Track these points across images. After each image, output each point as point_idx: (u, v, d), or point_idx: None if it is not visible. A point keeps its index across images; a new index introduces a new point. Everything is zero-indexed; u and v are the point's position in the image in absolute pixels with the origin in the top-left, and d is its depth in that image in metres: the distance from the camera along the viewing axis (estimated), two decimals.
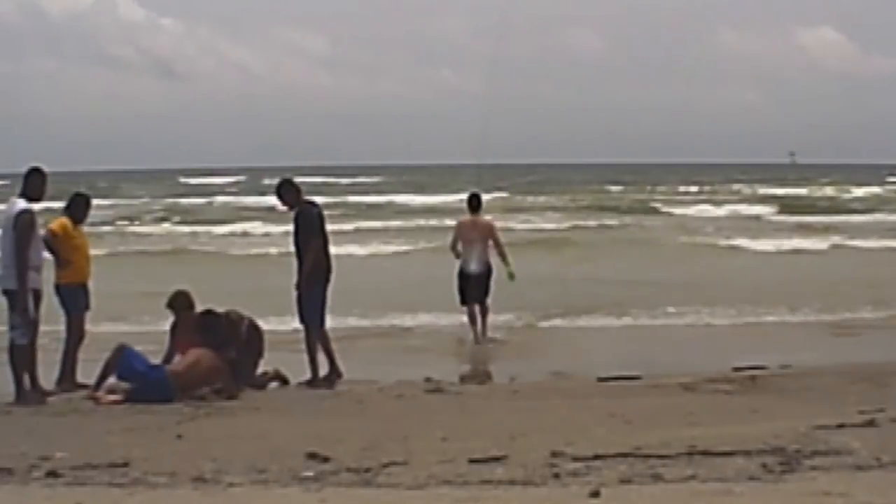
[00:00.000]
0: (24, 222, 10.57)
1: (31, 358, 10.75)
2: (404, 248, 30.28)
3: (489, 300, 14.63)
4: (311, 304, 11.71)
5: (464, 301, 14.67)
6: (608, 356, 13.44)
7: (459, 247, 14.73)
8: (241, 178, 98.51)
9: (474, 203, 14.92)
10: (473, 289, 14.52)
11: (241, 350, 11.23)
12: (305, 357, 11.74)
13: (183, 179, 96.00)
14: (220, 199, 61.49)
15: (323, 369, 11.74)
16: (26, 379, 10.68)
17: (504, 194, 55.97)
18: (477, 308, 14.55)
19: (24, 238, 10.53)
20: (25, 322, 10.53)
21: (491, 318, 14.84)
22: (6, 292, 10.62)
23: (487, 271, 14.60)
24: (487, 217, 15.22)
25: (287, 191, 11.97)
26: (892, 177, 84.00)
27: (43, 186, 10.93)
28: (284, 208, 12.14)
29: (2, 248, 10.67)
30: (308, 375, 11.69)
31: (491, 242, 14.73)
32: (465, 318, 14.69)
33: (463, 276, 14.62)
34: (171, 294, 11.71)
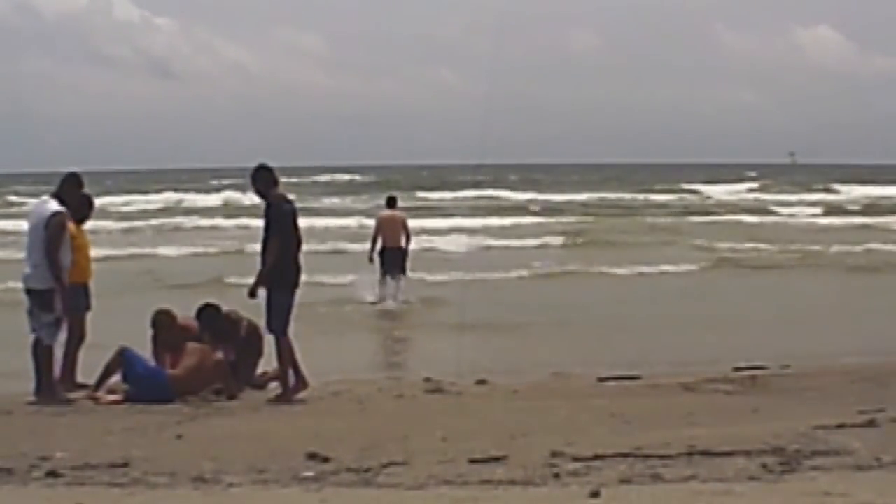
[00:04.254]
0: (56, 224, 10.57)
1: (50, 358, 10.80)
2: None
3: (406, 275, 19.37)
4: (277, 311, 10.56)
5: (384, 273, 19.22)
6: None
7: (380, 236, 19.37)
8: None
9: (391, 202, 20.17)
10: (390, 265, 19.18)
11: (241, 350, 11.24)
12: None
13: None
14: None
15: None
16: (50, 377, 10.72)
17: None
18: (388, 279, 19.15)
19: (56, 240, 10.53)
20: (58, 323, 10.60)
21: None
22: (33, 292, 10.62)
23: (402, 252, 19.40)
24: (401, 213, 20.17)
25: (261, 177, 10.79)
26: None
27: (79, 192, 11.07)
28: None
29: (30, 247, 10.66)
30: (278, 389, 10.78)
31: (403, 232, 19.46)
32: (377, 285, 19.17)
33: (383, 255, 19.26)
34: (154, 314, 11.38)
